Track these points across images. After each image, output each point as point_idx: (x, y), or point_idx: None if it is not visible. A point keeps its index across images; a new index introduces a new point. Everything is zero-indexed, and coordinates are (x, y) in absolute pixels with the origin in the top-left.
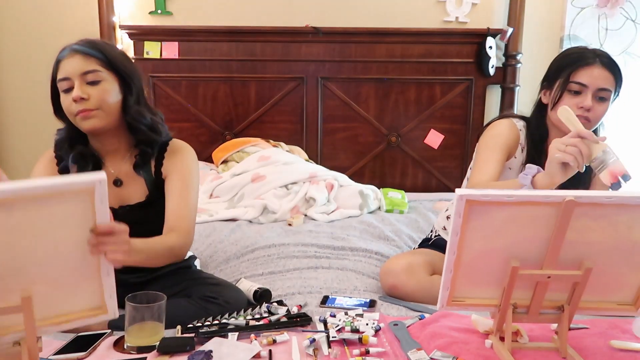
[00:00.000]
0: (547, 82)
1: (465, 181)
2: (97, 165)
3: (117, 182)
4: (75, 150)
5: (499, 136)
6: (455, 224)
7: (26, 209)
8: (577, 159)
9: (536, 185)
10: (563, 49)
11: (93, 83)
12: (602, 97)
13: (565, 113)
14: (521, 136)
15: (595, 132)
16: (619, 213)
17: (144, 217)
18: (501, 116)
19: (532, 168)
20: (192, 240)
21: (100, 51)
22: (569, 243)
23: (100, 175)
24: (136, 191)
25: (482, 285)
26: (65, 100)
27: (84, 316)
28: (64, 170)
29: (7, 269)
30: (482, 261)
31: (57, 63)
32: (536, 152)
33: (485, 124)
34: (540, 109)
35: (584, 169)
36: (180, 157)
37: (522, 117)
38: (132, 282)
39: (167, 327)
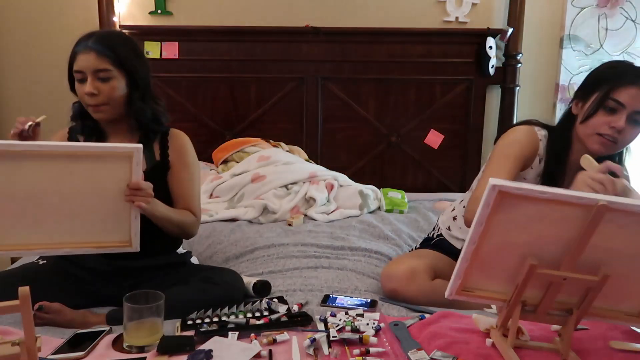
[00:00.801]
0: (582, 93)
1: (475, 182)
2: (100, 139)
3: None
4: (86, 124)
5: (516, 143)
6: (482, 214)
7: (85, 161)
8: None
9: None
10: (563, 49)
11: (104, 79)
12: (636, 120)
13: (585, 162)
14: (541, 146)
15: (620, 155)
16: None
17: None
18: (523, 122)
19: None
20: (199, 220)
21: (114, 50)
22: (590, 247)
23: (138, 145)
24: None
25: (495, 279)
26: (79, 88)
27: (116, 246)
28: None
29: (64, 201)
30: (500, 255)
31: (74, 54)
32: (556, 165)
33: (500, 126)
34: (569, 119)
35: None
36: (183, 147)
37: (546, 126)
38: (132, 267)
39: (168, 314)
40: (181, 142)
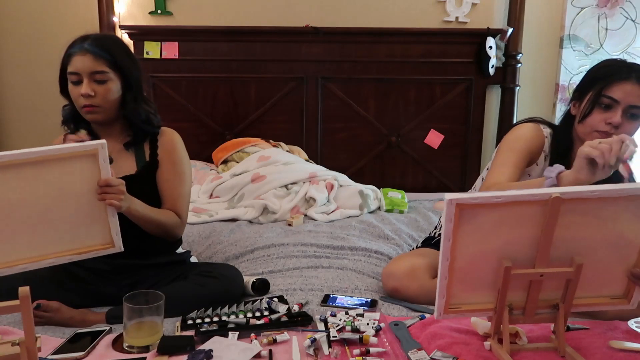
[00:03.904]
0: (578, 93)
1: (479, 180)
2: None
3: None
4: (78, 127)
5: (523, 139)
6: (447, 229)
7: (50, 166)
8: (604, 155)
9: (561, 181)
10: (563, 49)
11: (100, 82)
12: (633, 114)
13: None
14: (546, 143)
15: None
16: (604, 206)
17: (130, 190)
18: (528, 119)
19: (559, 167)
20: (185, 223)
21: (110, 53)
22: (558, 240)
23: (101, 141)
24: (126, 166)
25: (477, 290)
26: (73, 90)
27: (99, 249)
28: None
29: (36, 211)
30: (476, 265)
31: (69, 56)
32: (560, 163)
33: (514, 123)
34: (568, 119)
35: (611, 171)
36: (172, 144)
37: (550, 124)
38: (131, 266)
39: (167, 310)
40: (170, 139)
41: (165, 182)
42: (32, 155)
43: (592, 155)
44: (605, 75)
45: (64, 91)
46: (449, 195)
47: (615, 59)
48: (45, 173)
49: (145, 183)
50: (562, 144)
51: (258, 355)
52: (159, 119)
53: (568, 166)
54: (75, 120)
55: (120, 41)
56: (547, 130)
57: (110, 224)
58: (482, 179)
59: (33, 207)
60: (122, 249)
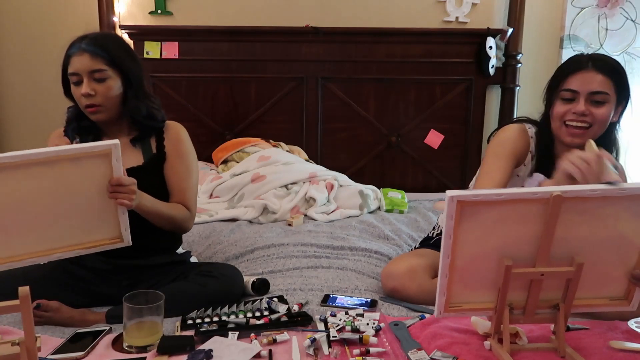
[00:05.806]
0: (547, 92)
1: (473, 181)
2: (97, 138)
3: None
4: (82, 125)
5: (507, 142)
6: (448, 226)
7: (63, 165)
8: (584, 175)
9: None
10: (563, 49)
11: (99, 80)
12: (597, 100)
13: (587, 145)
14: (532, 143)
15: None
16: (605, 206)
17: (137, 182)
18: (515, 120)
19: (539, 176)
20: (194, 215)
21: (107, 51)
22: (559, 239)
23: (115, 141)
24: (133, 158)
25: (478, 289)
26: (75, 91)
27: (107, 243)
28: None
29: (47, 208)
30: (477, 264)
31: (68, 57)
32: (545, 161)
33: (498, 126)
34: (547, 118)
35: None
36: (178, 137)
37: (537, 123)
38: (131, 266)
39: (168, 309)
40: (176, 132)
41: (173, 175)
42: (46, 155)
43: (571, 172)
44: (565, 69)
45: (68, 93)
46: (450, 192)
47: (579, 53)
48: (57, 171)
49: (152, 175)
50: (544, 143)
51: (258, 355)
52: (164, 114)
53: (554, 164)
54: (79, 121)
55: (118, 38)
56: (532, 130)
57: (120, 221)
58: (476, 178)
59: (44, 204)
60: (131, 243)
